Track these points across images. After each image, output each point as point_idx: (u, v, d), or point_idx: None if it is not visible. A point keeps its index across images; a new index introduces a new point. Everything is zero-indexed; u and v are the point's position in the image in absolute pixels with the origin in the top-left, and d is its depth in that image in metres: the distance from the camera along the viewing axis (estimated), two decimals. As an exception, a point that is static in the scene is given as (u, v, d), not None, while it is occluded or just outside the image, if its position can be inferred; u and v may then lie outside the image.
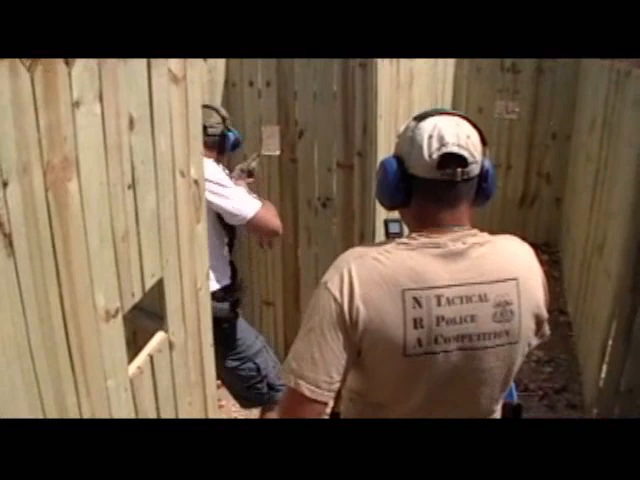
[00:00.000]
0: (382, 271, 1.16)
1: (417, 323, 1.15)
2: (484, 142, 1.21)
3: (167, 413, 1.58)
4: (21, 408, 0.99)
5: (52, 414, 1.06)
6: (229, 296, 2.38)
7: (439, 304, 1.15)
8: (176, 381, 1.62)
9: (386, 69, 2.90)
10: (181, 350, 1.65)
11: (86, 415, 1.17)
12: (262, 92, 3.06)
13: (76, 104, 1.07)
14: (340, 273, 1.18)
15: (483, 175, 1.21)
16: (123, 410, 1.34)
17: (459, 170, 1.16)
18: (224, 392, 2.65)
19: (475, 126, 1.21)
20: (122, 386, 1.33)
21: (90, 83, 1.12)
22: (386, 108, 2.97)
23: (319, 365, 1.16)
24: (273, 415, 2.50)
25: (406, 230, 1.29)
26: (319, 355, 1.16)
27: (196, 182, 1.66)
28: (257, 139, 3.10)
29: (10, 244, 0.93)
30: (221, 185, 2.21)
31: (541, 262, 1.28)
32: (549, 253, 5.01)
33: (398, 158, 1.22)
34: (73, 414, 1.13)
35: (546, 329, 1.29)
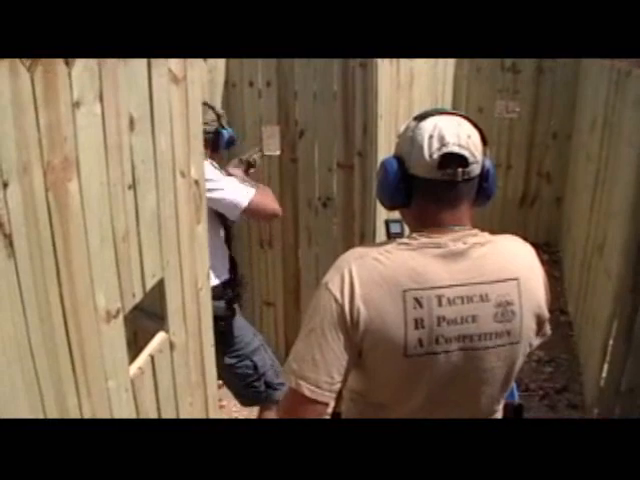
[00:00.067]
0: (383, 271, 1.16)
1: (418, 323, 1.15)
2: (485, 142, 1.21)
3: (168, 413, 1.58)
4: (22, 408, 0.99)
5: (53, 414, 1.06)
6: (228, 292, 2.37)
7: (440, 304, 1.15)
8: (177, 381, 1.62)
9: (386, 69, 2.90)
10: (182, 350, 1.65)
11: (87, 416, 1.17)
12: (262, 92, 3.06)
13: (76, 104, 1.07)
14: (341, 273, 1.18)
15: (484, 175, 1.21)
16: (124, 410, 1.34)
17: (460, 170, 1.16)
18: (225, 392, 2.65)
19: (476, 126, 1.21)
20: (123, 386, 1.33)
21: (90, 83, 1.12)
22: (386, 108, 2.97)
23: (320, 366, 1.16)
24: (271, 414, 2.50)
25: (407, 230, 1.29)
26: (320, 356, 1.16)
27: (196, 182, 1.66)
28: (257, 139, 3.10)
29: (10, 244, 0.93)
30: (212, 181, 2.21)
31: (541, 262, 1.28)
32: (549, 253, 5.01)
33: (398, 158, 1.22)
34: (74, 415, 1.13)
35: (547, 329, 1.28)
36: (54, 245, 1.04)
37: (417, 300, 1.14)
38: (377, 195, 1.30)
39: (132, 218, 1.32)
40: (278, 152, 3.14)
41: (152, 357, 1.49)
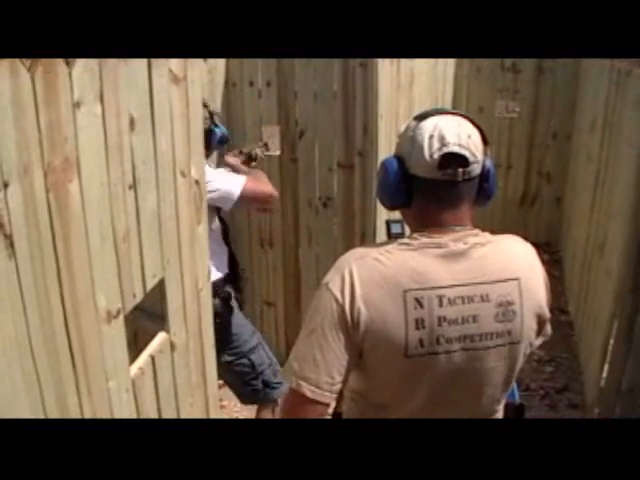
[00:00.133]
0: (383, 272, 1.16)
1: (419, 324, 1.14)
2: (485, 142, 1.21)
3: (168, 414, 1.58)
4: (22, 408, 0.99)
5: (53, 415, 1.06)
6: (226, 288, 2.37)
7: (441, 304, 1.15)
8: (177, 382, 1.62)
9: (386, 69, 2.90)
10: (182, 351, 1.65)
11: (87, 416, 1.17)
12: (262, 92, 3.06)
13: (77, 104, 1.07)
14: (341, 274, 1.18)
15: (484, 175, 1.21)
16: (125, 411, 1.34)
17: (460, 170, 1.16)
18: (226, 392, 2.65)
19: (476, 125, 1.20)
20: (123, 387, 1.33)
21: (91, 83, 1.12)
22: (387, 108, 2.97)
23: (321, 366, 1.16)
24: (269, 413, 2.50)
25: (408, 231, 1.28)
26: (320, 356, 1.16)
27: (197, 182, 1.66)
28: (258, 139, 3.10)
29: (11, 245, 0.93)
30: None
31: (542, 261, 1.28)
32: (550, 253, 5.00)
33: (399, 158, 1.22)
34: (74, 415, 1.12)
35: (548, 329, 1.28)
36: (55, 246, 1.04)
37: (418, 300, 1.14)
38: (377, 195, 1.30)
39: (133, 218, 1.32)
40: (278, 152, 3.14)
41: (153, 357, 1.49)
